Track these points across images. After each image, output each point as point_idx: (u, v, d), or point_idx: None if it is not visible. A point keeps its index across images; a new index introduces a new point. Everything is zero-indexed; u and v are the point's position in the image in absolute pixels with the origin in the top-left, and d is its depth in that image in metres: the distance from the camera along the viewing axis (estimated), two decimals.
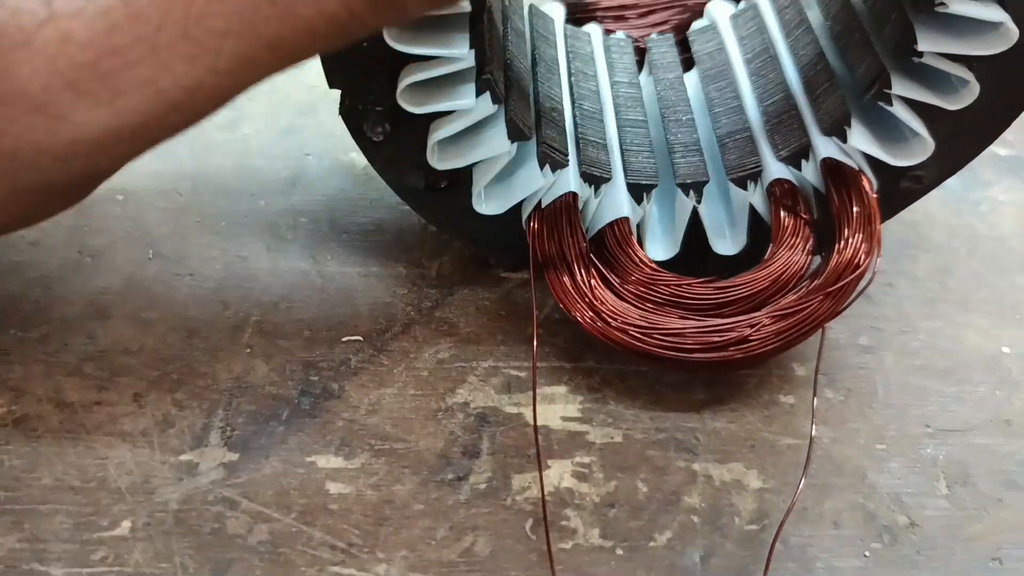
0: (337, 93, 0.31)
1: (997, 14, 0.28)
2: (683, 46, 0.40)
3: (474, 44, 0.29)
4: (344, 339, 0.34)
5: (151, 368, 0.33)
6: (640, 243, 0.33)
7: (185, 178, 0.39)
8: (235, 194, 0.38)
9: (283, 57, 0.25)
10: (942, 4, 0.29)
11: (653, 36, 0.40)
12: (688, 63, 0.39)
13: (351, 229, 0.37)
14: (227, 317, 0.34)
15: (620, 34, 0.40)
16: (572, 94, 0.35)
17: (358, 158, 0.40)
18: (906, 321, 0.36)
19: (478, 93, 0.30)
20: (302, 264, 0.36)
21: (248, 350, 0.33)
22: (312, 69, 0.44)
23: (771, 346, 0.30)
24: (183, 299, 0.35)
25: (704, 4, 0.41)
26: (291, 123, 0.42)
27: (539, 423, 0.32)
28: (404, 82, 0.30)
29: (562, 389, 0.33)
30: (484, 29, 0.30)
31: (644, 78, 0.38)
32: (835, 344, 0.35)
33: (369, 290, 0.35)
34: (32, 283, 0.35)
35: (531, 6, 0.38)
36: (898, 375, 0.34)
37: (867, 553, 0.30)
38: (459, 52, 0.29)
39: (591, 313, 0.31)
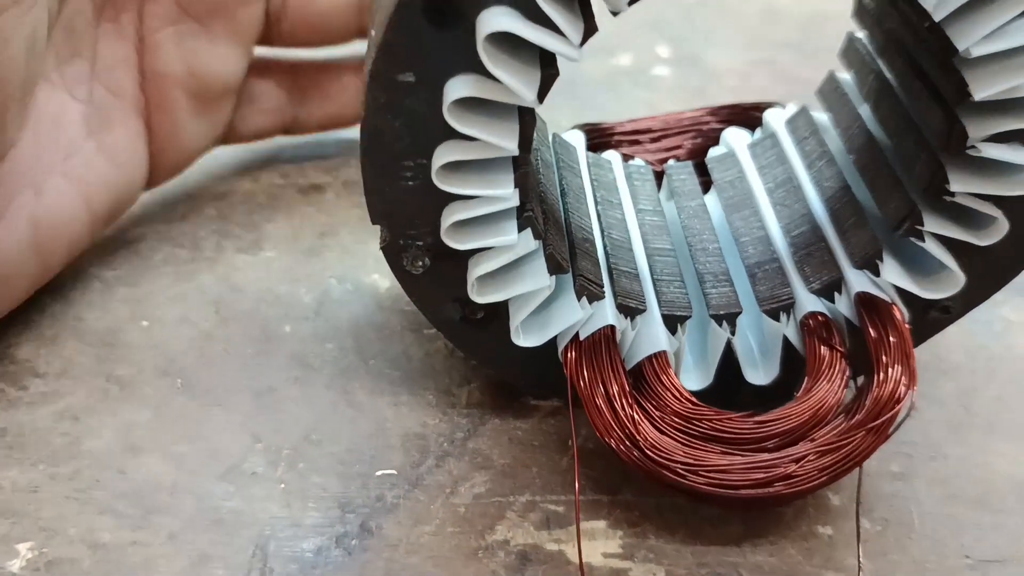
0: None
1: None
2: (700, 168, 0.41)
3: (518, 184, 0.30)
4: (378, 473, 0.33)
5: (185, 506, 0.32)
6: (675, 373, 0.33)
7: (209, 303, 0.39)
8: (260, 320, 0.38)
9: None
10: (973, 148, 0.29)
11: (671, 163, 0.40)
12: (706, 186, 0.40)
13: (378, 355, 0.37)
14: (259, 451, 0.34)
15: (639, 161, 0.40)
16: (601, 223, 0.36)
17: (380, 280, 0.41)
18: (935, 447, 0.36)
19: (520, 229, 0.30)
20: (331, 394, 0.36)
21: (282, 486, 0.33)
22: (330, 188, 0.45)
23: (815, 482, 0.30)
24: (213, 432, 0.34)
25: (717, 130, 0.42)
26: (312, 245, 0.42)
27: (586, 561, 0.31)
28: (448, 221, 0.30)
29: (601, 524, 0.33)
30: (527, 169, 0.30)
31: (665, 202, 0.39)
32: (867, 471, 0.34)
33: (400, 420, 0.35)
34: (60, 415, 0.34)
35: (555, 135, 0.38)
36: (932, 504, 0.34)
37: None
38: (504, 192, 0.29)
39: (636, 450, 0.31)
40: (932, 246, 0.31)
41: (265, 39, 0.42)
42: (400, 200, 0.30)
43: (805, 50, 0.60)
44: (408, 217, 0.31)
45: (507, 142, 0.28)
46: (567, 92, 0.45)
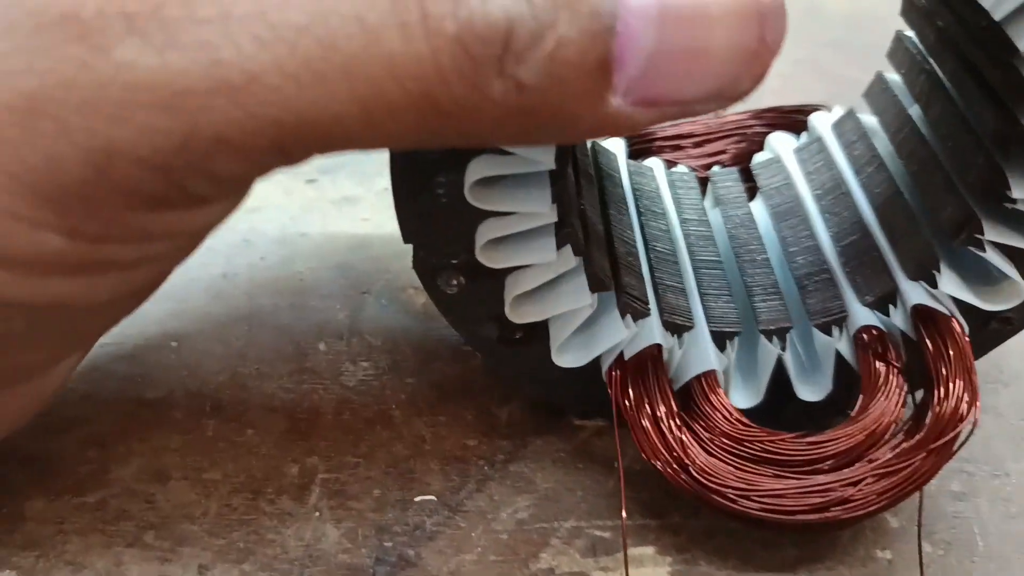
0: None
1: None
2: (744, 174, 0.39)
3: (556, 199, 0.28)
4: (417, 499, 0.32)
5: (216, 536, 0.31)
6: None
7: (240, 320, 0.38)
8: (293, 338, 0.37)
9: (362, 107, 0.20)
10: None
11: (716, 169, 0.39)
12: (751, 191, 0.38)
13: (415, 374, 0.36)
14: (293, 475, 0.33)
15: (682, 167, 0.39)
16: (644, 235, 0.34)
17: (416, 295, 0.39)
18: (996, 463, 0.34)
19: (559, 246, 0.29)
20: (367, 414, 0.35)
21: (317, 514, 0.32)
22: (363, 202, 0.44)
23: (874, 506, 0.29)
24: (245, 456, 0.33)
25: (761, 134, 0.40)
26: (345, 259, 0.41)
27: None
28: (483, 239, 0.29)
29: (649, 550, 0.31)
30: (566, 184, 0.29)
31: (710, 210, 0.37)
32: (927, 492, 0.33)
33: (438, 442, 0.34)
34: (86, 441, 0.33)
35: (593, 142, 0.37)
36: (995, 523, 0.32)
37: None
38: (541, 208, 0.28)
39: (685, 474, 0.29)
40: (993, 255, 0.30)
41: None
42: (432, 218, 0.29)
43: (849, 50, 0.58)
44: (441, 235, 0.29)
45: (543, 156, 0.27)
46: None
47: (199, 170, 0.21)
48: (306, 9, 0.19)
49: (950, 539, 0.32)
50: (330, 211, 0.44)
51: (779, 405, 0.33)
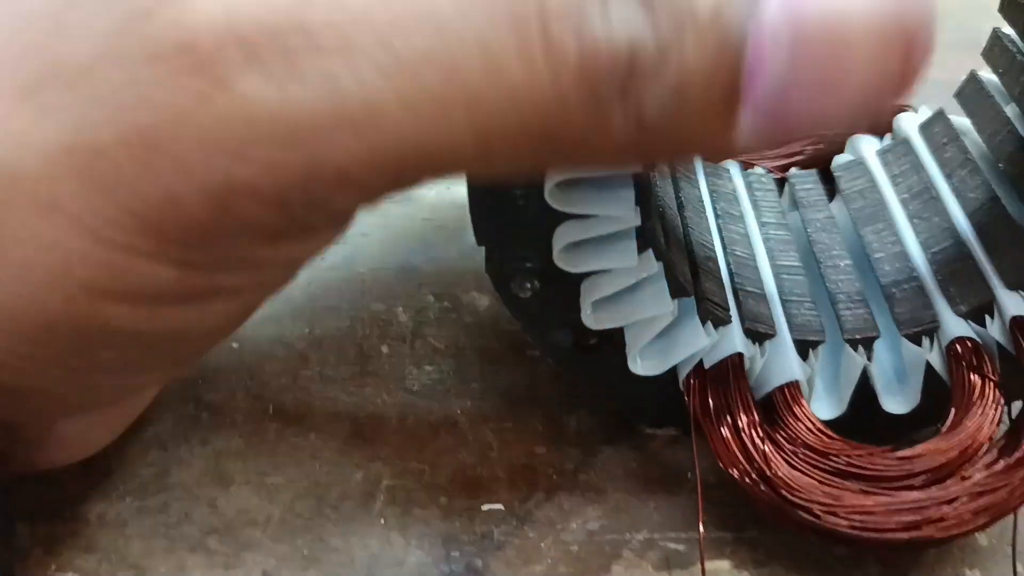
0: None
1: None
2: (823, 176, 0.38)
3: (639, 202, 0.27)
4: (484, 507, 0.31)
5: (280, 542, 0.30)
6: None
7: (302, 323, 0.37)
8: (355, 340, 0.36)
9: (479, 136, 0.19)
10: None
11: (794, 171, 0.38)
12: (829, 195, 0.37)
13: (479, 379, 0.35)
14: (357, 481, 0.32)
15: (759, 169, 0.38)
16: (723, 239, 0.33)
17: (479, 297, 0.38)
18: None
19: (640, 251, 0.28)
20: (431, 420, 0.34)
21: (383, 520, 0.31)
22: (423, 201, 0.43)
23: (969, 526, 0.27)
24: (309, 461, 0.32)
25: (841, 135, 0.39)
26: (407, 260, 0.40)
27: None
28: (562, 242, 0.28)
29: (725, 564, 0.30)
30: (650, 187, 0.28)
31: (788, 212, 0.36)
32: (1022, 510, 0.31)
33: (505, 449, 0.33)
34: (148, 443, 0.33)
35: None
36: None
37: None
38: (624, 211, 0.27)
39: (767, 487, 0.28)
40: None
41: None
42: (509, 221, 0.28)
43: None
44: (517, 238, 0.28)
45: None
46: None
47: (317, 204, 0.20)
48: (428, 34, 0.17)
49: None
50: (391, 210, 0.43)
51: (864, 417, 0.31)
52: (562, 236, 0.28)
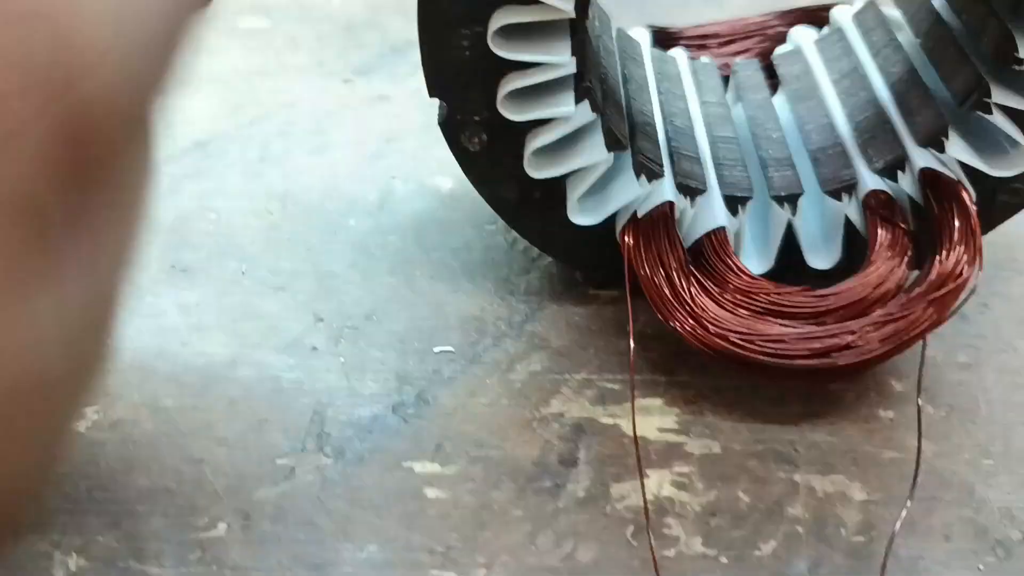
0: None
1: None
2: (768, 72, 0.40)
3: (575, 51, 0.30)
4: (436, 349, 0.34)
5: (246, 376, 0.33)
6: None
7: (275, 198, 0.40)
8: (324, 214, 0.39)
9: None
10: None
11: (738, 61, 0.40)
12: (773, 89, 0.39)
13: (439, 248, 0.38)
14: (320, 328, 0.34)
15: (705, 58, 0.40)
16: (663, 111, 0.35)
17: (443, 181, 0.41)
18: (1004, 341, 0.35)
19: (577, 101, 0.30)
20: (392, 280, 0.36)
21: (342, 359, 0.33)
22: (397, 99, 0.45)
23: (874, 353, 0.30)
24: (276, 312, 0.35)
25: (785, 34, 0.41)
26: (378, 149, 0.42)
27: (639, 435, 0.31)
28: (505, 89, 0.30)
29: (657, 402, 0.33)
30: (585, 37, 0.30)
31: (732, 102, 0.38)
32: (933, 362, 0.34)
33: (459, 304, 0.35)
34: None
35: (619, 29, 0.38)
36: (1000, 392, 0.33)
37: (981, 567, 0.29)
38: (561, 59, 0.29)
39: (691, 321, 0.31)
40: (999, 119, 0.31)
41: None
42: (457, 70, 0.30)
43: None
44: (465, 89, 0.31)
45: (564, 3, 0.28)
46: (636, 7, 0.45)
47: None
48: None
49: (953, 403, 0.33)
50: (364, 107, 0.45)
51: (791, 278, 0.33)
52: (505, 84, 0.30)
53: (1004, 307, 0.36)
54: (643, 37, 0.39)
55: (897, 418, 0.32)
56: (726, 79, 0.40)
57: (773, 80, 0.39)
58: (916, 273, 0.32)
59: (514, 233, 0.35)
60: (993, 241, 0.34)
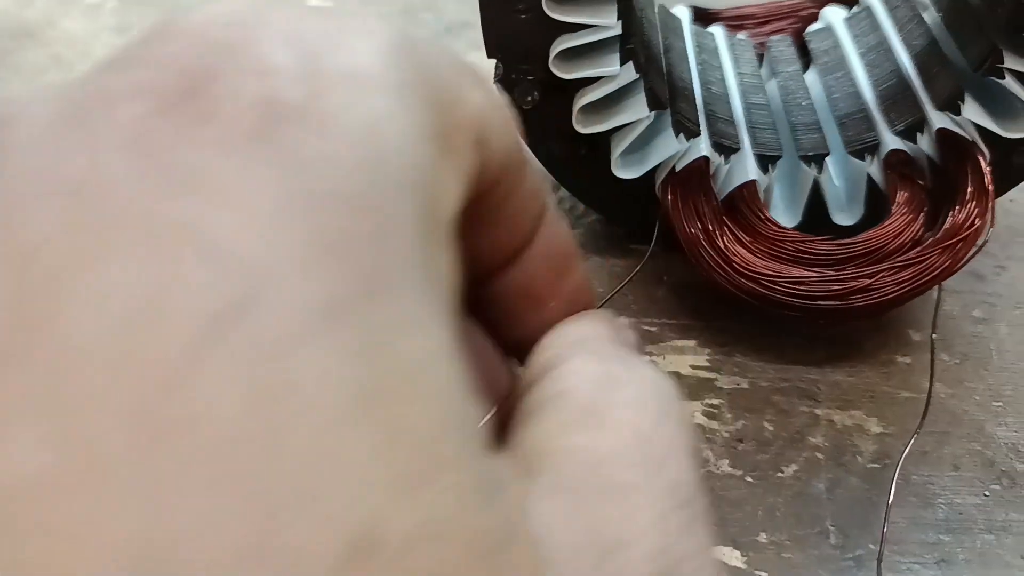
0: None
1: None
2: (800, 50, 0.43)
3: (621, 15, 0.32)
4: None
5: None
6: None
7: None
8: None
9: None
10: None
11: (772, 38, 0.43)
12: (805, 66, 0.42)
13: None
14: None
15: (742, 35, 0.43)
16: (701, 79, 0.38)
17: None
18: (1019, 298, 0.37)
19: (622, 61, 0.33)
20: None
21: None
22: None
23: (891, 295, 0.32)
24: None
25: (816, 15, 0.44)
26: None
27: (670, 370, 0.34)
28: (557, 48, 0.33)
29: (691, 342, 0.35)
30: (630, 4, 0.33)
31: (765, 78, 0.41)
32: (950, 315, 0.36)
33: None
34: None
35: (660, 6, 0.41)
36: (1013, 343, 0.36)
37: (987, 493, 0.31)
38: (608, 21, 0.32)
39: (723, 265, 0.33)
40: (1012, 84, 0.33)
41: None
42: (513, 33, 0.33)
43: None
44: (521, 50, 0.34)
45: None
46: None
47: None
48: None
49: (967, 352, 0.35)
50: None
51: (818, 234, 0.36)
52: (557, 45, 0.33)
53: (1019, 269, 0.39)
54: (683, 14, 0.42)
55: (914, 363, 0.35)
56: (761, 57, 0.43)
57: (806, 58, 0.42)
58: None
59: (560, 192, 0.38)
60: (1010, 209, 0.36)
